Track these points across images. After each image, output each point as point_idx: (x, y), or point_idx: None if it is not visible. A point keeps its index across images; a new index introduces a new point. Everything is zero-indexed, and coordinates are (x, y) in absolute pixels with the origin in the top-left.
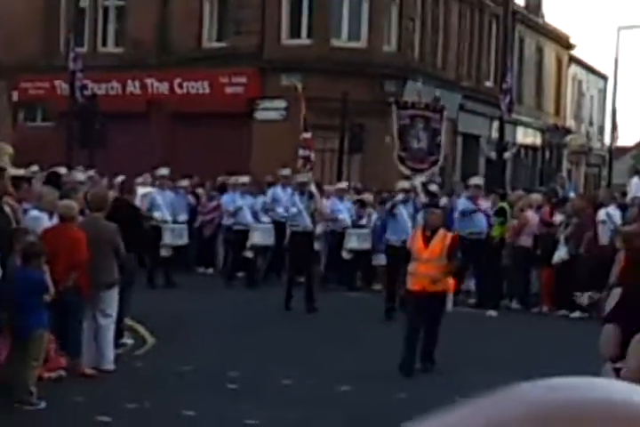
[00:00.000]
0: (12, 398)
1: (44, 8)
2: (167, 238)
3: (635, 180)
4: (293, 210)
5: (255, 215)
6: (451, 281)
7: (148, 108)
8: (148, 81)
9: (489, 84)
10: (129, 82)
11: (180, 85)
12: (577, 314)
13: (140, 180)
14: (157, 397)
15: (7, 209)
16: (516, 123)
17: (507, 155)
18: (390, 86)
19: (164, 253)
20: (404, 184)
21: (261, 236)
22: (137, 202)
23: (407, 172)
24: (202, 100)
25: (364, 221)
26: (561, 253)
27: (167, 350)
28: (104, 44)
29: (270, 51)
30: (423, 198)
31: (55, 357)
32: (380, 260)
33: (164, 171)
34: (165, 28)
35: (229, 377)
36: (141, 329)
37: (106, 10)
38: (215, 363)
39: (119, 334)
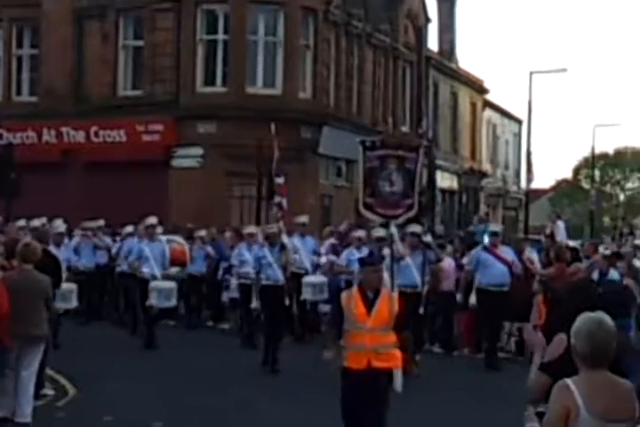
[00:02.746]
0: None
1: None
2: (153, 299)
3: (559, 224)
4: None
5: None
6: (399, 354)
7: (64, 157)
8: (64, 130)
9: (405, 128)
10: (45, 131)
11: (97, 134)
12: (501, 355)
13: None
14: None
15: None
16: (422, 170)
17: (423, 199)
18: (307, 132)
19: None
20: (379, 232)
21: None
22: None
23: (377, 219)
24: (119, 148)
25: None
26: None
27: (89, 401)
28: (18, 92)
29: (186, 99)
30: (401, 247)
31: None
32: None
33: (152, 220)
34: (80, 77)
35: None
36: (63, 380)
37: (19, 59)
38: (138, 413)
39: (40, 384)
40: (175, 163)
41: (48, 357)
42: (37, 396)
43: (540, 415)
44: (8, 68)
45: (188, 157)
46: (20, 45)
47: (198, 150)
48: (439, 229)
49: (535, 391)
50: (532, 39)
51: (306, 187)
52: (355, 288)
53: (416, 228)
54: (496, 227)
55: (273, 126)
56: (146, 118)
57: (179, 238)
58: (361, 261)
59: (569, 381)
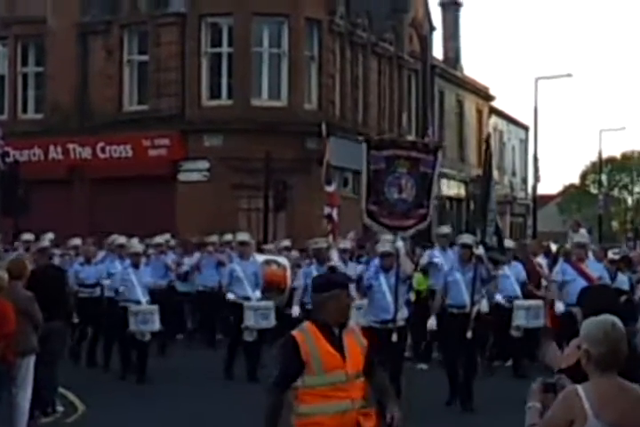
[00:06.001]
0: None
1: None
2: (249, 320)
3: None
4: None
5: None
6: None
7: (70, 174)
8: (70, 146)
9: (411, 138)
10: (51, 148)
11: (103, 150)
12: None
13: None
14: None
15: None
16: (439, 175)
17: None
18: (312, 144)
19: (247, 337)
20: (385, 247)
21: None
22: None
23: (381, 230)
24: (125, 163)
25: None
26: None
27: (98, 417)
28: (24, 110)
29: (191, 112)
30: (408, 265)
31: None
32: None
33: (244, 236)
34: (85, 93)
35: None
36: (71, 396)
37: (25, 76)
38: None
39: (51, 402)
40: (182, 177)
41: (56, 374)
42: (46, 413)
43: (549, 387)
44: (14, 85)
45: (194, 171)
46: (25, 63)
47: (205, 164)
48: (492, 240)
49: (554, 359)
50: (536, 46)
51: (312, 198)
52: (307, 325)
53: (468, 239)
54: (582, 237)
55: (324, 127)
56: (152, 133)
57: (283, 260)
58: (323, 282)
59: (579, 387)
